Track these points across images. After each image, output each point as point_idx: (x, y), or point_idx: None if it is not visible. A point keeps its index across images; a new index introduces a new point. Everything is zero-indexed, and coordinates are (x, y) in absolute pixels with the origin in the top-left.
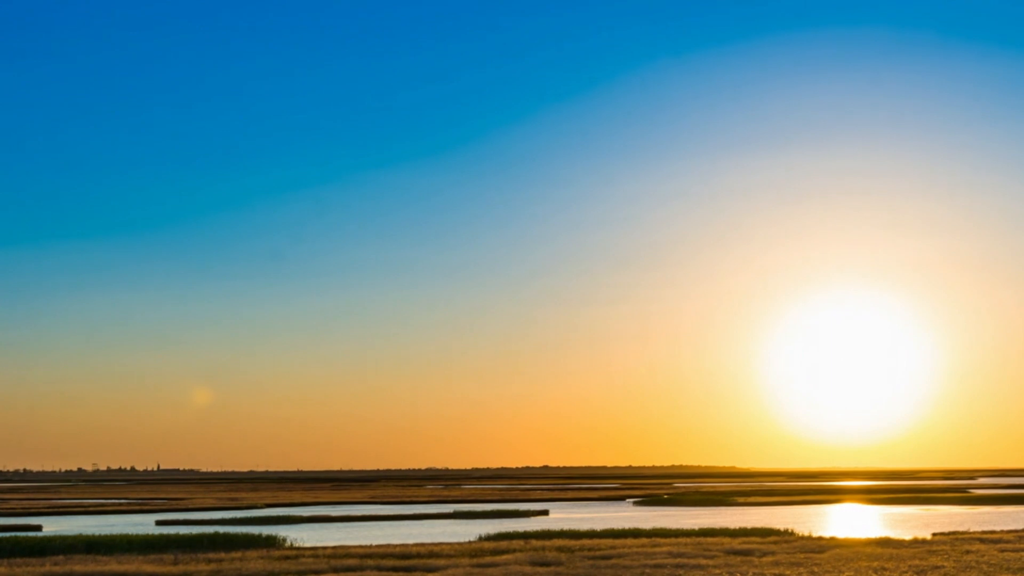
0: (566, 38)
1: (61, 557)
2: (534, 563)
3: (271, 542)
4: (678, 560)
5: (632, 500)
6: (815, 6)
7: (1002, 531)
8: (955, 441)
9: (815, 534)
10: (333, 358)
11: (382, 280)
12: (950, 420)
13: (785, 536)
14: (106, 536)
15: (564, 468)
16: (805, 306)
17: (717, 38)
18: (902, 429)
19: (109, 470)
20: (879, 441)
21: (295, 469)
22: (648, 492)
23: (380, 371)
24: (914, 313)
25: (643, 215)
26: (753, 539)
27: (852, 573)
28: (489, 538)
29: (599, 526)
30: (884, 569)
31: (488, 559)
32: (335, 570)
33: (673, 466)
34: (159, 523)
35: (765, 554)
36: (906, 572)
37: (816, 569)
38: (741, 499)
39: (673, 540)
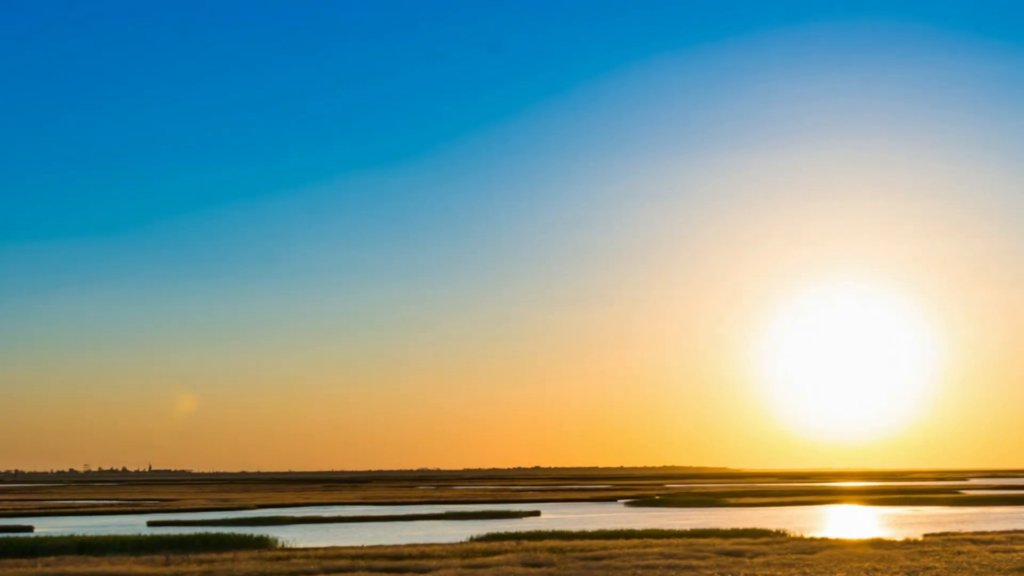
0: (555, 32)
1: (53, 558)
2: (526, 564)
3: (263, 543)
4: (669, 561)
5: (624, 501)
6: None
7: (993, 532)
8: (954, 441)
9: (807, 535)
10: (324, 359)
11: (374, 281)
12: (949, 420)
13: (777, 537)
14: (98, 537)
15: (556, 469)
16: (799, 305)
17: (713, 32)
18: (899, 429)
19: (100, 471)
20: (875, 442)
21: (286, 470)
22: (640, 493)
23: (372, 372)
24: (913, 312)
25: (634, 214)
26: (744, 540)
27: (844, 574)
28: (481, 539)
29: (591, 527)
30: (876, 570)
31: (480, 560)
32: (327, 571)
33: (664, 467)
34: (151, 524)
35: (757, 555)
36: (897, 573)
37: (808, 570)
38: (733, 500)
39: (664, 541)
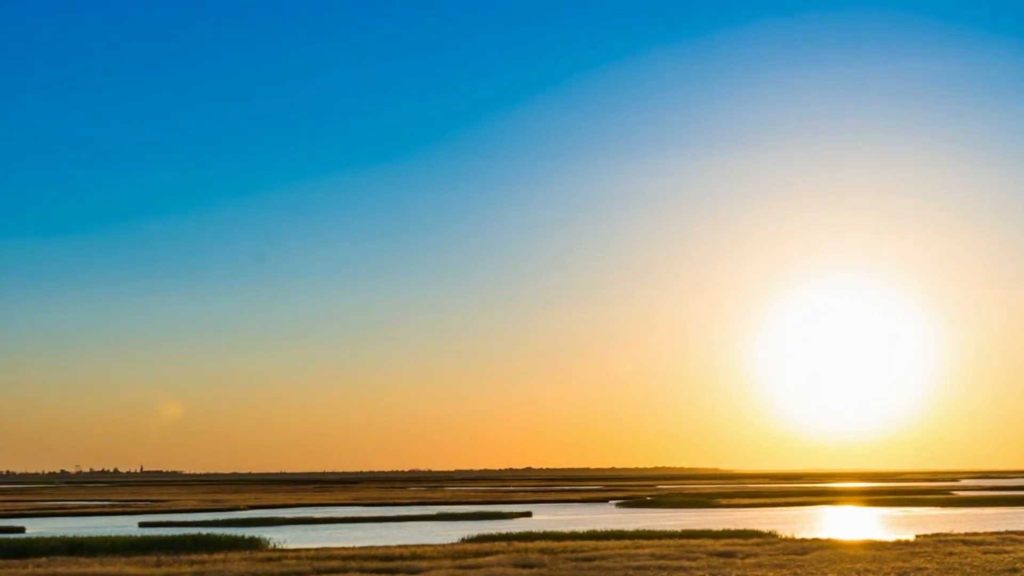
0: (548, 25)
1: (44, 559)
2: (517, 565)
3: (254, 544)
4: (661, 562)
5: (615, 502)
6: None
7: (985, 533)
8: (950, 442)
9: (798, 536)
10: (316, 360)
11: (365, 281)
12: (945, 420)
13: (768, 538)
14: (89, 538)
15: (547, 470)
16: (791, 305)
17: (701, 26)
18: (893, 430)
19: (92, 472)
20: (869, 442)
21: (278, 471)
22: (631, 494)
23: (363, 373)
24: (909, 311)
25: (626, 214)
26: (736, 541)
27: (835, 575)
28: (472, 540)
29: (582, 528)
30: (867, 571)
31: (471, 561)
32: (318, 572)
33: (656, 468)
34: (142, 525)
35: (748, 556)
36: (889, 574)
37: (799, 571)
38: (724, 501)
39: (656, 542)
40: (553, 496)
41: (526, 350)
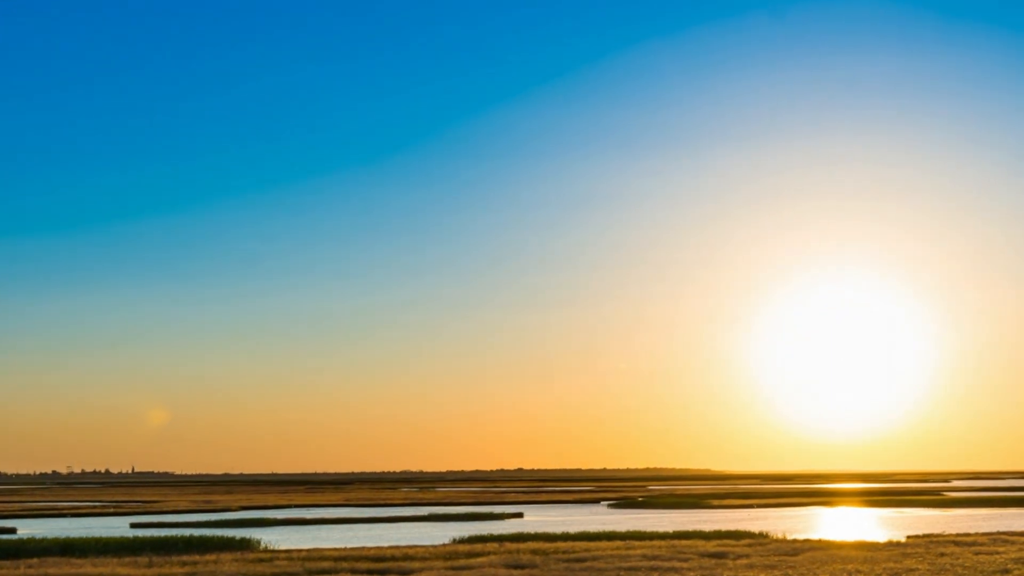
0: (541, 19)
1: (35, 560)
2: (508, 566)
3: (245, 544)
4: (652, 563)
5: (606, 503)
6: None
7: (977, 534)
8: (943, 443)
9: (790, 537)
10: (307, 360)
11: (356, 282)
12: (940, 421)
13: (759, 539)
14: (81, 539)
15: (538, 471)
16: (781, 306)
17: (691, 21)
18: (887, 430)
19: (83, 472)
20: (862, 442)
21: (269, 472)
22: (622, 495)
23: (354, 374)
24: (905, 311)
25: (619, 213)
26: (727, 542)
27: None
28: (463, 540)
29: (573, 529)
30: (859, 572)
31: (462, 562)
32: (310, 572)
33: (647, 468)
34: (133, 525)
35: (739, 557)
36: (880, 575)
37: (790, 572)
38: (716, 502)
39: (647, 543)
40: (544, 497)
41: (517, 351)
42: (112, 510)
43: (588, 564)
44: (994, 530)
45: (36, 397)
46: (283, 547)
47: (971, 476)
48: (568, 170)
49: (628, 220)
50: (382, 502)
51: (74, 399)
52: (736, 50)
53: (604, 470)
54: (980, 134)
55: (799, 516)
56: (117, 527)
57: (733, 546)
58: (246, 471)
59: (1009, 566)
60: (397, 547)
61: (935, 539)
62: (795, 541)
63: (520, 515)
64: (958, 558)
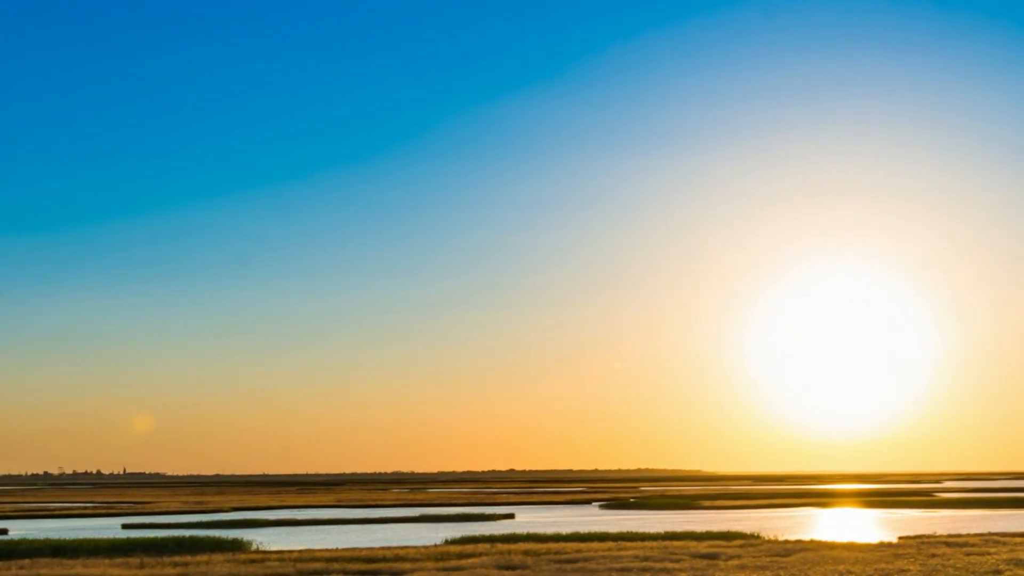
0: (533, 12)
1: (27, 561)
2: (500, 567)
3: (237, 546)
4: (644, 564)
5: (598, 503)
6: None
7: (968, 534)
8: (935, 444)
9: (781, 537)
10: (299, 362)
11: (348, 284)
12: (940, 421)
13: (751, 540)
14: (72, 540)
15: (530, 472)
16: (778, 307)
17: (681, 14)
18: (883, 430)
19: (75, 474)
20: (856, 443)
21: (261, 473)
22: (614, 496)
23: (346, 375)
24: (900, 310)
25: (611, 211)
26: (719, 543)
27: None
28: (455, 541)
29: (565, 530)
30: (850, 572)
31: (454, 562)
32: (301, 573)
33: (639, 469)
34: (125, 527)
35: (731, 558)
36: None
37: (782, 573)
38: (707, 503)
39: (639, 544)
40: (536, 498)
41: (509, 352)
42: (103, 511)
43: (580, 565)
44: (986, 531)
45: (27, 398)
46: (275, 548)
47: (963, 477)
48: (559, 168)
49: (620, 218)
50: (374, 503)
51: (65, 400)
52: (727, 46)
53: (595, 471)
54: (984, 130)
55: (791, 517)
56: (109, 528)
57: (725, 547)
58: (238, 472)
59: (1001, 567)
60: (389, 548)
61: (927, 540)
62: (787, 542)
63: (511, 516)
64: (949, 559)
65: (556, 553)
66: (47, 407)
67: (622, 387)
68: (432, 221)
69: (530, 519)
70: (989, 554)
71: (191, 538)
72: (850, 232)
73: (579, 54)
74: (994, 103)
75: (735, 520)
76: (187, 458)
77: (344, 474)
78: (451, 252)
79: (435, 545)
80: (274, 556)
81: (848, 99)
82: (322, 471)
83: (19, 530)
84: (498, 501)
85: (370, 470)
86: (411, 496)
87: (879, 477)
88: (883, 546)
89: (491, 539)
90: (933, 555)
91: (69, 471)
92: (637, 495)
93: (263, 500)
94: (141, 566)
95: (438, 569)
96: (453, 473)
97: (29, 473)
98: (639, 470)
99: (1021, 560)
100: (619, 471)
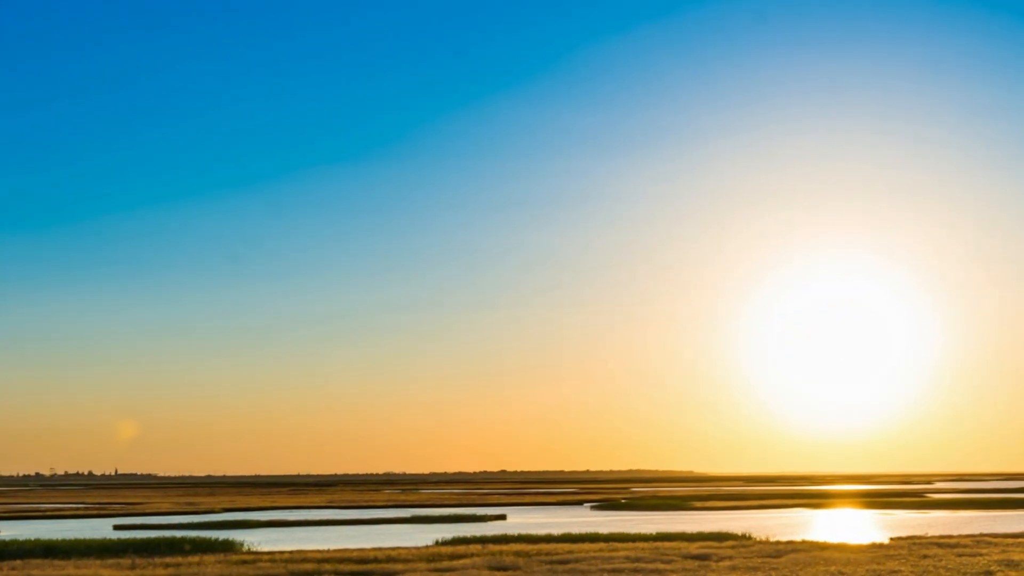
0: (528, 9)
1: (19, 562)
2: (492, 567)
3: (228, 546)
4: (636, 564)
5: (589, 504)
6: None
7: (959, 535)
8: (935, 444)
9: (773, 538)
10: (290, 362)
11: (338, 284)
12: (933, 420)
13: (743, 541)
14: (64, 540)
15: (521, 473)
16: (766, 311)
17: (673, 10)
18: (874, 430)
19: (66, 474)
20: (846, 443)
21: (252, 473)
22: (605, 496)
23: (337, 376)
24: (901, 308)
25: (603, 212)
26: (711, 544)
27: None
28: (446, 542)
29: (556, 531)
30: (841, 573)
31: (446, 563)
32: (293, 574)
33: (630, 471)
34: (117, 527)
35: (723, 559)
36: None
37: (774, 574)
38: (699, 504)
39: (631, 545)
40: (527, 499)
41: (500, 353)
42: (95, 512)
43: (571, 566)
44: (977, 532)
45: (17, 399)
46: (266, 549)
47: (955, 478)
48: (549, 167)
49: (611, 217)
50: (365, 504)
51: (56, 401)
52: (720, 42)
53: (587, 472)
54: (983, 126)
55: (782, 518)
56: (100, 529)
57: (716, 548)
58: (229, 473)
59: (992, 568)
60: (380, 549)
61: (918, 541)
62: (778, 543)
63: (503, 517)
64: (941, 560)
65: (548, 554)
66: (38, 408)
67: (613, 388)
68: (424, 220)
69: (521, 520)
70: (980, 555)
71: (183, 539)
72: (842, 231)
73: (564, 52)
74: (995, 100)
75: (726, 521)
76: (179, 459)
77: (335, 475)
78: (443, 251)
79: (427, 546)
80: (265, 557)
81: (845, 95)
82: (313, 472)
83: (10, 531)
84: (490, 502)
85: (361, 471)
86: (403, 497)
87: (871, 478)
88: (874, 547)
89: (483, 540)
90: (924, 556)
91: (60, 472)
92: (628, 496)
93: (254, 501)
94: (133, 567)
95: (430, 570)
96: (445, 474)
97: (20, 474)
98: (630, 471)
99: (1013, 561)
100: (610, 472)
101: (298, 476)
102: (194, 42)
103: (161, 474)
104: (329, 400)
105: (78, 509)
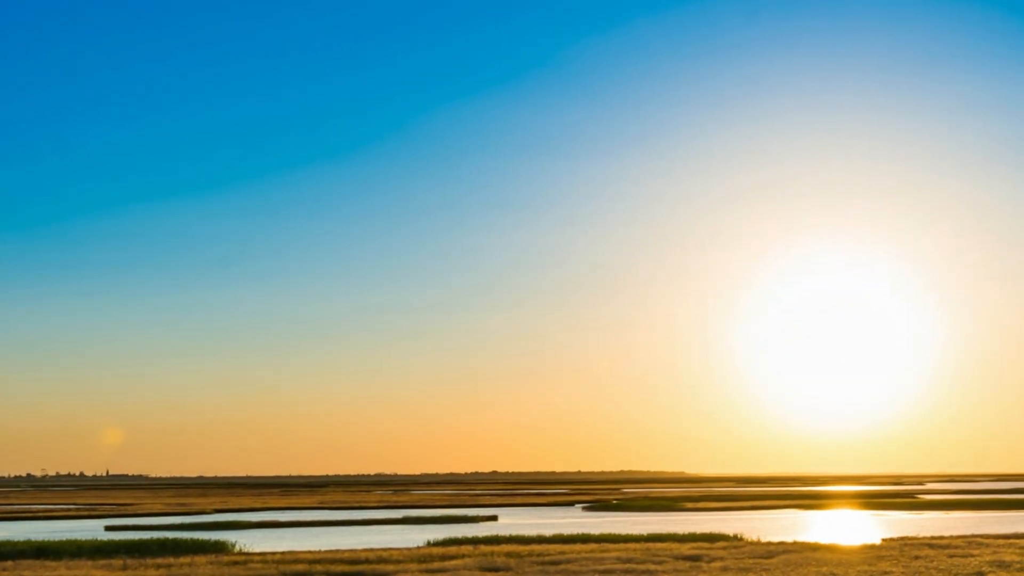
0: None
1: (10, 563)
2: (483, 568)
3: (220, 547)
4: (627, 565)
5: (581, 505)
6: None
7: (951, 536)
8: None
9: (764, 539)
10: (281, 363)
11: (332, 285)
12: (926, 421)
13: (734, 541)
14: (55, 542)
15: (513, 474)
16: (759, 311)
17: (682, 6)
18: (866, 431)
19: (58, 475)
20: (837, 444)
21: (244, 474)
22: (597, 497)
23: (329, 377)
24: (898, 308)
25: (596, 213)
26: (702, 544)
27: None
28: (438, 543)
29: (548, 532)
30: (833, 574)
31: (437, 564)
32: (284, 575)
33: (622, 471)
34: (108, 528)
35: (714, 560)
36: None
37: (765, 575)
38: (690, 504)
39: (622, 546)
40: (519, 500)
41: (492, 354)
42: (86, 513)
43: (562, 567)
44: (969, 533)
45: (8, 400)
46: (257, 550)
47: (946, 479)
48: (543, 166)
49: (604, 219)
50: (356, 505)
51: (47, 402)
52: (714, 39)
53: (578, 473)
54: (983, 125)
55: (774, 519)
56: (91, 530)
57: (708, 549)
58: (220, 474)
59: (984, 569)
60: (371, 550)
61: (909, 542)
62: (770, 544)
63: (495, 518)
64: (932, 561)
65: (539, 555)
66: (29, 409)
67: (604, 388)
68: (414, 221)
69: (513, 521)
70: (972, 556)
71: (174, 540)
72: (837, 229)
73: (556, 48)
74: (995, 96)
75: (718, 522)
76: (170, 460)
77: (327, 476)
78: (434, 251)
79: (418, 547)
80: (256, 558)
81: (843, 91)
82: (305, 473)
83: (1, 532)
84: (481, 503)
85: (353, 472)
86: (394, 498)
87: (862, 479)
88: (866, 548)
89: (474, 541)
90: (916, 557)
91: (52, 473)
92: (620, 497)
93: (246, 502)
94: (124, 568)
95: (421, 571)
96: (436, 475)
97: (12, 475)
98: (622, 472)
99: (1004, 562)
100: (602, 473)
101: (289, 477)
102: (179, 41)
103: (152, 475)
104: (320, 401)
105: (69, 510)
